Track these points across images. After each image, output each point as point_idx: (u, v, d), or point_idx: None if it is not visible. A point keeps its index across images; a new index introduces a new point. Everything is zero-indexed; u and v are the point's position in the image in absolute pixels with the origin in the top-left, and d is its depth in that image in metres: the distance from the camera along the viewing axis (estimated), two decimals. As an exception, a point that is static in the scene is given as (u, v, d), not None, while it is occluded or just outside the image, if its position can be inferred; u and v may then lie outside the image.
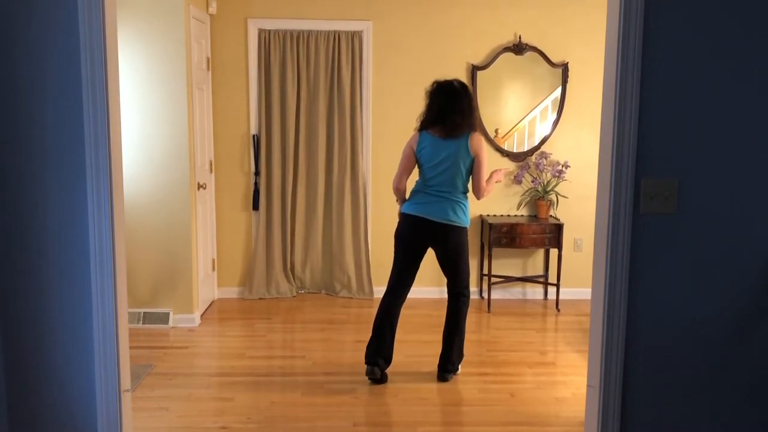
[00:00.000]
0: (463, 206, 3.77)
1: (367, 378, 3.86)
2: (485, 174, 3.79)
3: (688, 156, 2.14)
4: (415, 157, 3.80)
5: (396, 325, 3.91)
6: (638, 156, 2.13)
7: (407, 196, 3.92)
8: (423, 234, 3.78)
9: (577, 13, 5.38)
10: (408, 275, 3.89)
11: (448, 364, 3.93)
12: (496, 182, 3.96)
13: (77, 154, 2.12)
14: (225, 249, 5.57)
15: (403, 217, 3.83)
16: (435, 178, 3.73)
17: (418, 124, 3.82)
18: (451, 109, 3.67)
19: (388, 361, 3.89)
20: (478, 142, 3.73)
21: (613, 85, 2.13)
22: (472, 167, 3.75)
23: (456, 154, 3.70)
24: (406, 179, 3.88)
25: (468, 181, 3.81)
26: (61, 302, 2.19)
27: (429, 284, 5.60)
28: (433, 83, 3.80)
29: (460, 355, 4.02)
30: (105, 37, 2.10)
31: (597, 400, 2.27)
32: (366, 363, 3.87)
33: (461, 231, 3.79)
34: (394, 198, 4.06)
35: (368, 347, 3.89)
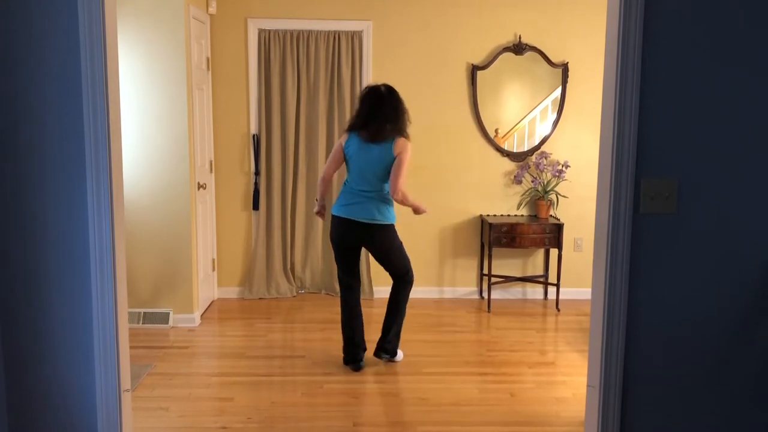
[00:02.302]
0: (387, 205, 3.92)
1: (350, 367, 4.07)
2: (403, 174, 3.83)
3: (688, 156, 2.14)
4: (343, 154, 3.95)
5: (361, 317, 4.12)
6: (638, 156, 2.13)
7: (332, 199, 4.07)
8: (352, 234, 3.93)
9: (577, 13, 5.38)
10: (351, 273, 4.07)
11: (385, 344, 4.11)
12: (413, 207, 4.02)
13: (77, 154, 2.12)
14: (225, 249, 5.57)
15: (333, 219, 3.98)
16: (360, 178, 3.88)
17: (348, 125, 4.00)
18: (376, 115, 3.82)
19: (364, 348, 4.12)
20: (402, 145, 3.83)
21: (613, 85, 2.13)
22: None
23: (380, 156, 3.82)
24: (333, 172, 4.03)
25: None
26: (61, 302, 2.19)
27: (429, 284, 5.61)
28: (365, 88, 3.99)
29: (397, 339, 4.17)
30: (105, 37, 2.10)
31: (597, 400, 2.27)
32: (351, 363, 4.06)
33: (387, 228, 3.93)
34: (316, 199, 4.14)
35: (346, 347, 4.08)
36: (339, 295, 4.10)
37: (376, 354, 4.13)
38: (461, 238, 5.61)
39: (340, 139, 4.00)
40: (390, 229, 3.95)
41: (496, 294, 5.63)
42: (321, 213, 4.17)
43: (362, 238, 3.93)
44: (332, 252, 5.47)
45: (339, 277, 4.11)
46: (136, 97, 4.62)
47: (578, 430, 3.31)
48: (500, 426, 3.35)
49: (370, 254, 5.46)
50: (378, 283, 5.46)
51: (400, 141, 3.83)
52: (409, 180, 5.44)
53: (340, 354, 4.19)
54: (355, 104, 4.12)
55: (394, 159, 3.81)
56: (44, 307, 2.19)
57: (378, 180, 3.86)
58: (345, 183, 3.99)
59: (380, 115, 3.82)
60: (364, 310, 4.83)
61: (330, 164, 4.01)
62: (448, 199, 5.55)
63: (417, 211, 4.04)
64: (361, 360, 4.08)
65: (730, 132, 2.13)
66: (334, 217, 3.96)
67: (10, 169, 2.13)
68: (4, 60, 2.09)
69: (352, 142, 3.90)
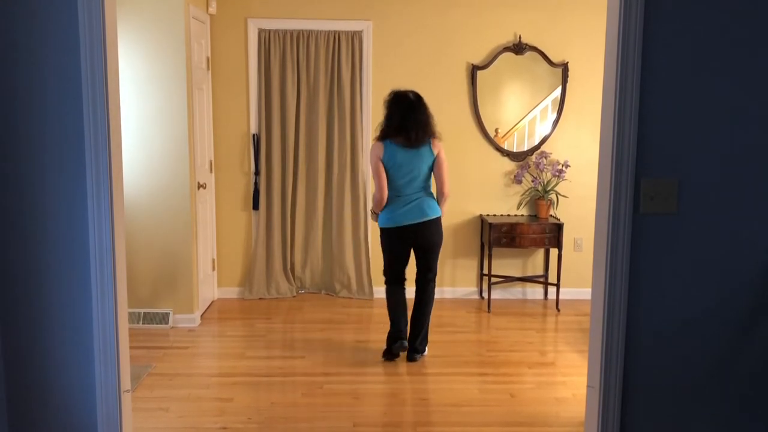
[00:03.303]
0: (435, 200, 4.09)
1: (385, 358, 4.18)
2: (447, 174, 4.07)
3: (688, 156, 2.14)
4: (383, 164, 4.00)
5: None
6: (638, 156, 2.13)
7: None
8: (414, 237, 4.05)
9: (577, 13, 5.38)
10: (404, 271, 4.21)
11: (418, 345, 4.19)
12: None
13: (77, 155, 2.12)
14: (225, 249, 5.57)
15: (392, 231, 4.06)
16: (410, 182, 3.99)
17: (379, 133, 4.04)
18: (412, 121, 3.93)
19: (405, 338, 4.19)
20: (439, 145, 4.04)
21: (613, 85, 2.12)
22: (433, 168, 4.03)
23: (424, 159, 3.98)
24: (386, 185, 4.04)
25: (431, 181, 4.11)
26: (61, 302, 2.19)
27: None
28: (391, 94, 4.06)
29: (427, 335, 4.28)
30: (105, 38, 2.10)
31: (597, 400, 2.27)
32: (393, 348, 4.14)
33: (440, 221, 4.09)
34: (373, 211, 4.17)
35: (392, 335, 4.16)
36: (389, 295, 4.22)
37: (412, 357, 4.16)
38: (461, 238, 5.61)
39: (375, 153, 4.01)
40: (440, 223, 4.12)
41: (496, 294, 5.62)
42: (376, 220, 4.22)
43: (424, 235, 4.05)
44: (332, 252, 5.54)
45: (391, 280, 4.20)
46: (136, 97, 4.62)
47: (578, 431, 3.31)
48: (500, 426, 3.35)
49: (368, 253, 5.51)
50: (378, 283, 5.45)
51: (436, 141, 4.03)
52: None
53: (340, 354, 4.19)
54: (381, 109, 4.13)
55: (433, 157, 3.99)
56: (44, 307, 2.19)
57: (425, 180, 4.04)
58: (391, 191, 4.02)
59: (416, 120, 3.94)
60: (365, 310, 4.88)
61: (382, 183, 4.00)
62: (448, 199, 5.54)
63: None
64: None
65: (730, 132, 2.13)
66: (392, 229, 4.05)
67: (10, 169, 2.13)
68: (4, 60, 2.09)
69: (390, 149, 3.96)
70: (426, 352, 4.27)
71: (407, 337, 4.18)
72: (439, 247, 4.16)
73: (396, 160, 3.96)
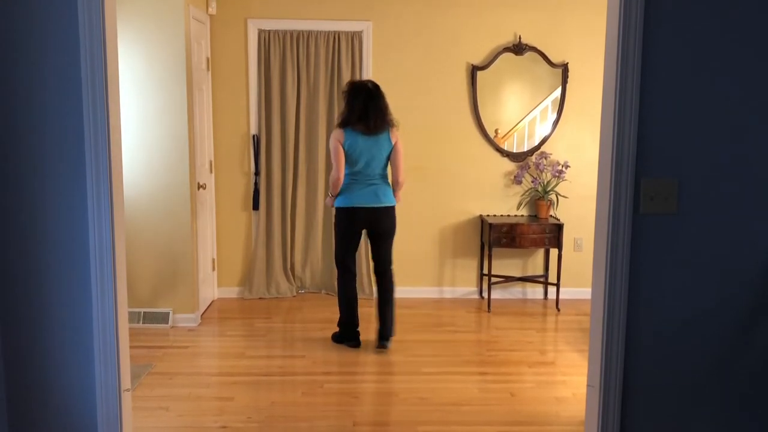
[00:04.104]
0: (391, 188, 4.29)
1: (350, 346, 4.42)
2: (403, 163, 4.29)
3: (688, 156, 2.14)
4: (343, 150, 4.19)
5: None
6: (638, 156, 2.13)
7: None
8: (368, 220, 4.25)
9: (577, 13, 5.38)
10: (354, 259, 4.42)
11: (387, 331, 4.38)
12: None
13: (77, 155, 2.12)
14: (225, 249, 5.57)
15: (347, 211, 4.24)
16: (366, 169, 4.19)
17: (340, 121, 4.25)
18: (372, 109, 4.13)
19: (358, 324, 4.47)
20: (397, 134, 4.25)
21: (613, 85, 2.12)
22: (390, 156, 4.25)
23: (383, 146, 4.19)
24: (344, 169, 4.24)
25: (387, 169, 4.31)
26: (61, 302, 2.19)
27: (429, 284, 5.61)
28: (349, 84, 4.28)
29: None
30: (105, 37, 2.10)
31: (597, 400, 2.27)
32: (351, 341, 4.41)
33: (393, 211, 4.31)
34: (329, 193, 4.38)
35: (347, 328, 4.42)
36: (339, 280, 4.41)
37: (383, 345, 4.34)
38: (461, 238, 5.61)
39: (335, 137, 4.19)
40: (394, 211, 4.32)
41: (496, 294, 5.62)
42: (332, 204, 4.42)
43: (378, 221, 4.25)
44: (332, 252, 5.53)
45: (344, 264, 4.37)
46: (136, 97, 4.62)
47: (578, 430, 3.31)
48: (500, 426, 3.35)
49: (368, 253, 5.50)
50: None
51: (394, 130, 4.24)
52: (409, 180, 5.46)
53: (340, 353, 4.19)
54: (341, 100, 4.41)
55: (391, 145, 4.20)
56: (44, 307, 2.19)
57: (382, 168, 4.23)
58: (349, 176, 4.21)
59: (376, 108, 4.14)
60: (365, 309, 4.91)
61: (340, 164, 4.19)
62: (448, 199, 5.56)
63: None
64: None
65: (730, 132, 2.13)
66: (349, 209, 4.22)
67: (10, 169, 2.13)
68: (4, 60, 2.09)
69: (350, 136, 4.15)
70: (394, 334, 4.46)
71: (357, 328, 4.44)
72: (392, 236, 4.35)
73: (356, 147, 4.14)
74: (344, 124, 4.20)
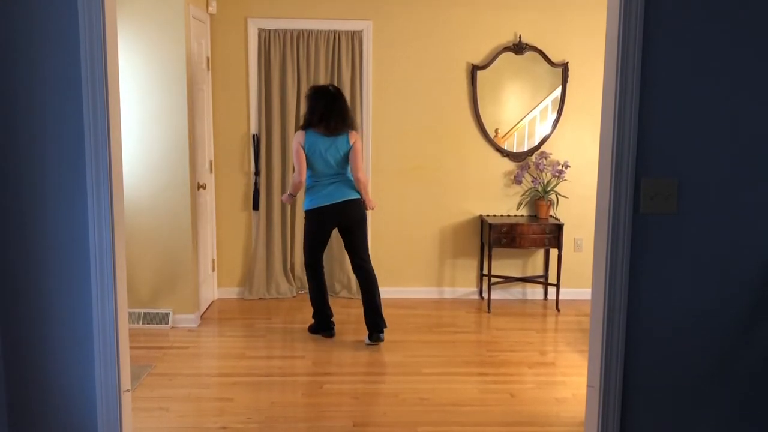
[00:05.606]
0: (353, 183, 4.42)
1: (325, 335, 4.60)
2: (362, 161, 4.49)
3: (688, 156, 2.14)
4: (304, 151, 4.36)
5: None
6: (638, 156, 2.13)
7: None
8: (336, 217, 4.40)
9: (577, 13, 5.38)
10: (321, 256, 4.60)
11: (381, 322, 4.47)
12: (367, 197, 4.53)
13: (77, 155, 2.12)
14: (225, 249, 5.57)
15: (314, 212, 4.40)
16: (326, 168, 4.34)
17: (302, 123, 4.42)
18: (332, 112, 4.31)
19: (332, 315, 4.66)
20: (356, 136, 4.42)
21: (613, 85, 2.12)
22: (349, 155, 4.38)
23: (340, 147, 4.34)
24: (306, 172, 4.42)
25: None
26: (61, 302, 2.19)
27: (429, 284, 5.61)
28: (312, 89, 4.45)
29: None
30: (105, 37, 2.10)
31: (597, 400, 2.27)
32: (326, 331, 4.60)
33: (361, 202, 4.44)
34: (288, 191, 4.61)
35: (321, 318, 4.59)
36: (311, 278, 4.58)
37: (378, 338, 4.42)
38: (461, 238, 5.61)
39: (297, 140, 4.36)
40: (362, 204, 4.46)
41: (496, 294, 5.62)
42: (290, 202, 4.75)
43: (345, 213, 4.38)
44: (332, 252, 5.53)
45: (312, 263, 4.55)
46: (136, 97, 4.62)
47: (578, 430, 3.31)
48: (500, 426, 3.35)
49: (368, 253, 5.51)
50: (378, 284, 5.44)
51: (354, 133, 4.41)
52: (408, 180, 5.47)
53: (340, 354, 4.19)
54: (304, 103, 4.55)
55: (350, 148, 4.35)
56: (44, 307, 2.19)
57: (340, 166, 4.37)
58: (312, 177, 4.39)
59: (337, 110, 4.32)
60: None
61: (302, 166, 4.36)
62: (448, 199, 5.55)
63: (368, 204, 4.50)
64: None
65: (730, 132, 2.13)
66: (315, 210, 4.39)
67: (10, 169, 2.13)
68: (4, 60, 2.09)
69: (311, 137, 4.32)
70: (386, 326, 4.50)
71: (332, 318, 4.62)
72: (363, 226, 4.48)
73: (316, 147, 4.31)
74: (306, 125, 4.37)
